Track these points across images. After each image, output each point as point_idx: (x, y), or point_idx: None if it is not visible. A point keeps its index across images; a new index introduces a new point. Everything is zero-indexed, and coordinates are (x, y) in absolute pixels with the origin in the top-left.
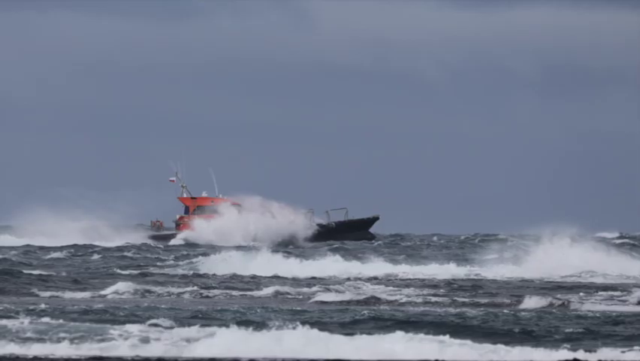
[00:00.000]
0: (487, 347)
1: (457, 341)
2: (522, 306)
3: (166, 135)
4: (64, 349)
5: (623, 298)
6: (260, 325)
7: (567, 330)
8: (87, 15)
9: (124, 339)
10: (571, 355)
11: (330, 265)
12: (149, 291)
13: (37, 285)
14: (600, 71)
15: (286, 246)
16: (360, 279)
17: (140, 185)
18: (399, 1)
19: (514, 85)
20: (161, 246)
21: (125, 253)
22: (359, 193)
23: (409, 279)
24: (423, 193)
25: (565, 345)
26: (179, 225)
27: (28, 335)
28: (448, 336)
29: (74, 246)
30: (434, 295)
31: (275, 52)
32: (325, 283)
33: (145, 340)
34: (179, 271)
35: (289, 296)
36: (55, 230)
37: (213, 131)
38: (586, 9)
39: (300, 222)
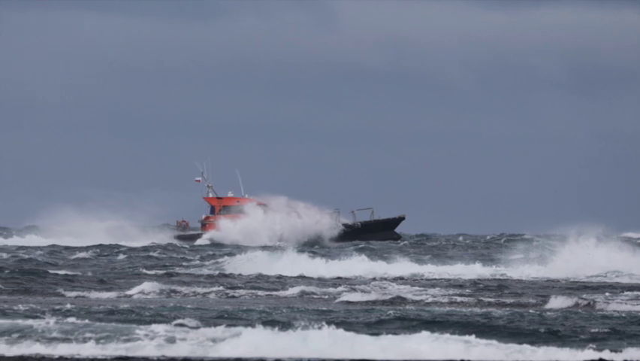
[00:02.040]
0: (512, 347)
1: (483, 341)
2: (548, 306)
3: (192, 135)
4: (90, 349)
5: None
6: (285, 325)
7: (593, 330)
8: (113, 16)
9: (150, 339)
10: (597, 355)
11: (356, 265)
12: (174, 291)
13: (63, 285)
14: (626, 71)
15: (312, 246)
16: (385, 279)
17: (165, 185)
18: (423, 0)
19: (539, 85)
20: (187, 246)
21: (151, 253)
22: (385, 193)
23: (435, 279)
24: (448, 193)
25: (590, 345)
26: (204, 225)
27: (54, 335)
28: (473, 336)
29: (100, 246)
30: (460, 295)
31: (299, 52)
32: (351, 283)
33: (171, 340)
34: (205, 271)
35: (315, 296)
36: (81, 230)
37: (239, 131)
38: (612, 9)
39: (325, 222)
